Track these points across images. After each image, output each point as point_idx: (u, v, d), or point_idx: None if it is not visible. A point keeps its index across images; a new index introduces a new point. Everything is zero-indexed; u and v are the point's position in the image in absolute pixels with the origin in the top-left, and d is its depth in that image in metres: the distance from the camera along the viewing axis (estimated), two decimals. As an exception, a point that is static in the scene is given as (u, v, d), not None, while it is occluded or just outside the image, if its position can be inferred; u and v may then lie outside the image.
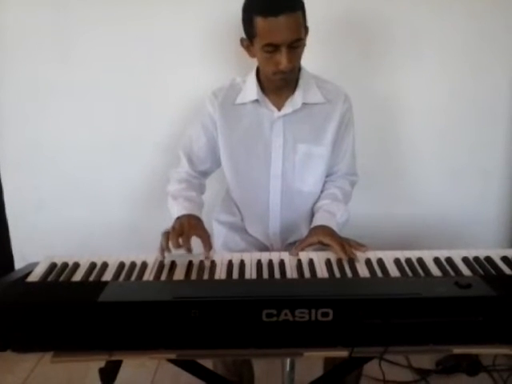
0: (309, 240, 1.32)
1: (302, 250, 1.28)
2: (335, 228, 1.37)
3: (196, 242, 1.27)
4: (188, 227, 1.29)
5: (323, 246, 1.29)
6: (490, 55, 1.80)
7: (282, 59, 1.27)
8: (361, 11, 1.73)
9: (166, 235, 1.24)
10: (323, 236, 1.30)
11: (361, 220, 1.79)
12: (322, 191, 1.54)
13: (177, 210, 1.39)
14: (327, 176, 1.54)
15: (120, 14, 1.73)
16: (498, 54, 1.80)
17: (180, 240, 1.22)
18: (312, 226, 1.40)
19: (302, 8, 1.28)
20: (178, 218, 1.35)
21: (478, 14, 1.74)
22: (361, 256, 1.23)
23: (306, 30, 1.33)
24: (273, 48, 1.27)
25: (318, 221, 1.40)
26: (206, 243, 1.27)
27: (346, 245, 1.25)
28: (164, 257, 1.22)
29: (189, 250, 1.23)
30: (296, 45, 1.27)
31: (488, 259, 1.19)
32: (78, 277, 1.15)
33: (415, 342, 0.96)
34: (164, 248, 1.22)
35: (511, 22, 1.75)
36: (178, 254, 1.23)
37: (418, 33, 1.76)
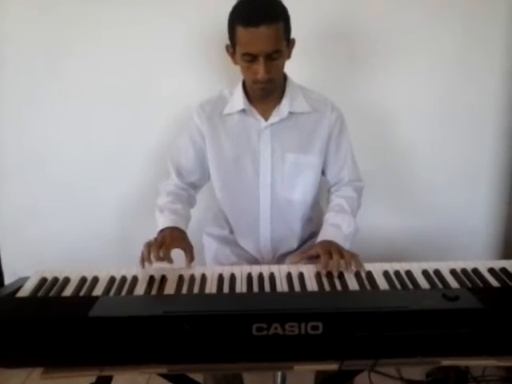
0: (308, 252, 1.31)
1: (301, 260, 1.29)
2: (341, 241, 1.35)
3: (180, 255, 1.29)
4: (170, 239, 1.30)
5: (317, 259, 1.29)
6: (480, 62, 1.82)
7: (260, 69, 1.30)
8: (349, 19, 1.76)
9: (148, 246, 1.26)
10: (320, 248, 1.29)
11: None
12: (328, 202, 1.53)
13: (161, 222, 1.39)
14: (332, 186, 1.55)
15: (110, 26, 1.75)
16: (489, 61, 1.82)
17: (161, 252, 1.24)
18: (318, 240, 1.39)
19: (284, 20, 1.30)
20: (162, 231, 1.36)
21: (468, 19, 1.76)
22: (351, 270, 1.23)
23: (290, 42, 1.36)
24: (251, 57, 1.29)
25: (324, 235, 1.39)
26: (188, 255, 1.28)
27: (336, 255, 1.23)
28: (144, 267, 1.23)
29: (169, 261, 1.24)
30: (275, 56, 1.30)
31: (475, 271, 1.20)
32: (68, 292, 1.15)
33: (404, 355, 0.96)
34: (145, 259, 1.23)
35: (501, 26, 1.78)
36: (158, 266, 1.24)
37: (407, 40, 1.78)
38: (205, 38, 1.74)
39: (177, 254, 1.29)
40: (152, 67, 1.79)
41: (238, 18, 1.28)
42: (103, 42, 1.76)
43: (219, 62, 1.68)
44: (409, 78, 1.82)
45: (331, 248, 1.27)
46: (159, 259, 1.23)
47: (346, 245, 1.36)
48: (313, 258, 1.29)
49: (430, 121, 1.89)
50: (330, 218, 1.45)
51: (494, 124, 1.90)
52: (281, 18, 1.28)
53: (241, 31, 1.27)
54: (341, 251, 1.26)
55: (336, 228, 1.41)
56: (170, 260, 1.24)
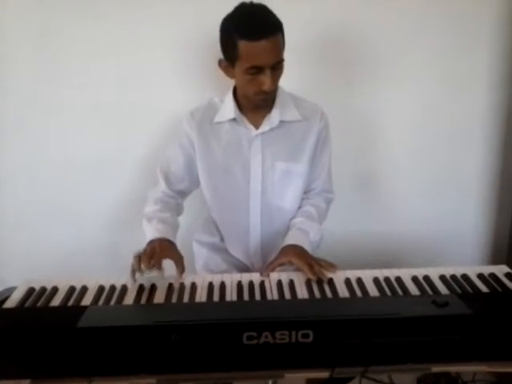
0: (279, 260, 1.33)
1: (273, 270, 1.30)
2: (307, 247, 1.38)
3: (171, 264, 1.28)
4: (159, 250, 1.29)
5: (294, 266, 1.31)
6: (466, 76, 1.85)
7: (266, 81, 1.29)
8: (337, 30, 1.77)
9: (138, 258, 1.24)
10: (293, 256, 1.31)
11: (339, 238, 1.81)
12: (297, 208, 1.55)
13: (150, 232, 1.38)
14: (304, 193, 1.56)
15: (99, 34, 1.73)
16: (473, 75, 1.85)
17: (152, 261, 1.23)
18: (284, 244, 1.40)
19: (281, 29, 1.30)
20: (151, 242, 1.35)
21: (454, 36, 1.80)
22: (340, 276, 1.24)
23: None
24: (256, 70, 1.28)
25: (291, 239, 1.41)
26: (178, 265, 1.27)
27: (316, 265, 1.26)
28: (135, 280, 1.22)
29: (160, 270, 1.23)
30: (278, 66, 1.30)
31: (464, 277, 1.21)
32: (56, 302, 1.14)
33: (394, 362, 0.96)
34: (136, 270, 1.22)
35: (485, 42, 1.81)
36: (148, 277, 1.23)
37: (397, 53, 1.81)
38: (192, 47, 1.74)
39: (167, 264, 1.28)
40: (141, 76, 1.78)
41: (239, 33, 1.25)
42: (93, 51, 1.75)
43: (207, 70, 1.68)
44: (399, 90, 1.85)
45: (307, 258, 1.30)
46: (150, 268, 1.22)
47: (309, 251, 1.38)
48: (283, 265, 1.32)
49: (419, 131, 1.91)
50: (299, 223, 1.48)
51: (481, 134, 1.93)
52: (279, 28, 1.29)
53: (245, 45, 1.25)
54: (317, 260, 1.30)
55: (304, 234, 1.43)
56: (160, 269, 1.24)
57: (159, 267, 1.23)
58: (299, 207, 1.55)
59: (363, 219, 1.98)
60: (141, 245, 1.35)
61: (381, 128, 1.90)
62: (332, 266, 1.28)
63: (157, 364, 0.94)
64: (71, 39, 1.74)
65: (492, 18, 1.79)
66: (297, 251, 1.34)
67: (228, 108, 1.45)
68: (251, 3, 1.30)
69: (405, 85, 1.84)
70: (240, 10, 1.29)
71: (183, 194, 1.57)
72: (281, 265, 1.32)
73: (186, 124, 1.48)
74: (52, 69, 1.77)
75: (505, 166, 1.97)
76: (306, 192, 1.56)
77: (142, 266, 1.22)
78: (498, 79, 1.86)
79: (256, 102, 1.39)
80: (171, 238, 1.38)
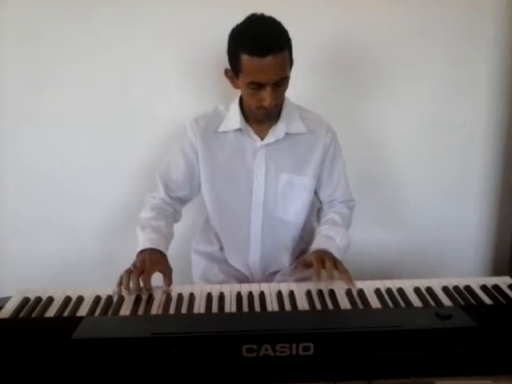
0: (303, 261, 1.32)
1: (300, 271, 1.30)
2: (335, 252, 1.35)
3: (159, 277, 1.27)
4: (149, 264, 1.26)
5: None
6: (467, 87, 1.86)
7: (266, 97, 1.27)
8: (341, 42, 1.77)
9: (128, 274, 1.21)
10: (314, 256, 1.29)
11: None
12: (321, 217, 1.54)
13: (142, 241, 1.36)
14: (325, 204, 1.55)
15: (97, 39, 1.72)
16: (474, 86, 1.86)
17: (141, 280, 1.20)
18: (311, 250, 1.38)
19: (289, 45, 1.28)
20: (141, 252, 1.32)
21: (454, 49, 1.81)
22: (341, 286, 1.22)
23: (291, 63, 1.33)
24: (257, 86, 1.27)
25: (316, 245, 1.38)
26: (166, 278, 1.24)
27: (329, 263, 1.24)
28: (121, 292, 1.20)
29: (149, 290, 1.20)
30: (281, 83, 1.28)
31: (468, 288, 1.20)
32: (51, 312, 1.11)
33: (397, 375, 0.94)
34: (125, 287, 1.20)
35: (484, 54, 1.82)
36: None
37: (397, 62, 1.80)
38: (198, 55, 1.72)
39: (157, 274, 1.27)
40: (138, 84, 1.77)
41: (243, 46, 1.23)
42: (89, 57, 1.74)
43: (212, 79, 1.67)
44: (403, 102, 1.85)
45: (325, 257, 1.27)
46: (139, 289, 1.19)
47: (338, 257, 1.35)
48: (308, 267, 1.29)
49: (421, 141, 1.91)
50: (324, 230, 1.45)
51: (481, 143, 1.93)
52: (286, 44, 1.27)
53: (247, 60, 1.23)
54: (335, 261, 1.26)
55: (330, 239, 1.40)
56: (150, 289, 1.21)
57: (148, 286, 1.21)
58: (322, 216, 1.53)
59: (363, 228, 1.95)
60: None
61: (383, 139, 1.89)
62: (345, 280, 1.22)
63: (154, 377, 0.92)
64: (70, 45, 1.72)
65: (491, 28, 1.79)
66: (319, 252, 1.32)
67: (234, 117, 1.43)
68: (261, 16, 1.27)
69: (407, 96, 1.84)
70: (248, 22, 1.27)
71: (182, 201, 1.55)
72: (305, 265, 1.30)
73: (189, 131, 1.46)
74: (49, 73, 1.75)
75: (506, 175, 1.97)
76: (328, 203, 1.55)
77: (131, 285, 1.20)
78: (499, 89, 1.86)
79: (258, 115, 1.38)
80: (163, 249, 1.35)
